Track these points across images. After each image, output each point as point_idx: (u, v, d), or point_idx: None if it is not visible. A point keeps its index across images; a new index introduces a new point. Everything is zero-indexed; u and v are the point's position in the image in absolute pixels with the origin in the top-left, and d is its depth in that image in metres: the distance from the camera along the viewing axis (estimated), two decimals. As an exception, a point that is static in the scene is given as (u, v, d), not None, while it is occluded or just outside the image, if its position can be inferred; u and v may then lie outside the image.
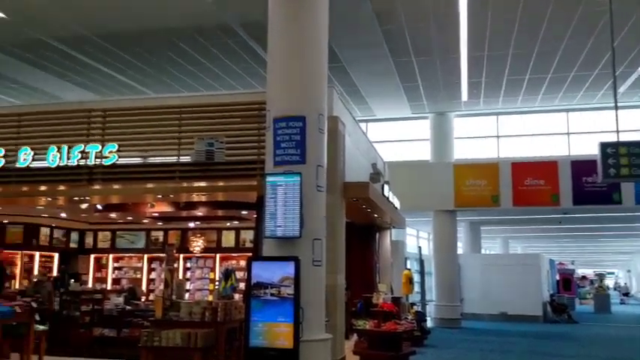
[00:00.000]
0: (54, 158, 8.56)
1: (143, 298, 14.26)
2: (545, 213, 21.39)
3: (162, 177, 8.32)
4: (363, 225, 13.93)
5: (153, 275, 17.12)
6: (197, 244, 15.59)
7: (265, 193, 6.98)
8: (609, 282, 51.04)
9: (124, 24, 11.54)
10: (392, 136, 19.85)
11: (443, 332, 16.79)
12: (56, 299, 12.02)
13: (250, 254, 9.77)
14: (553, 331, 18.28)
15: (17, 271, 15.71)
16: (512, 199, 17.64)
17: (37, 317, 11.40)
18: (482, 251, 31.63)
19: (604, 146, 7.88)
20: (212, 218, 14.34)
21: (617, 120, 8.31)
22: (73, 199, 9.80)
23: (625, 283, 53.69)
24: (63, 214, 14.73)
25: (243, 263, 16.64)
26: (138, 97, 12.47)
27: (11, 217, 15.19)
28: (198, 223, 15.53)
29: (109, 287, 16.81)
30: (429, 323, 17.66)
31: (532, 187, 17.62)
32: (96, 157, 8.46)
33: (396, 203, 13.82)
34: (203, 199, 10.27)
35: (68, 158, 8.51)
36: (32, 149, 8.71)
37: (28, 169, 8.67)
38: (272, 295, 6.52)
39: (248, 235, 16.86)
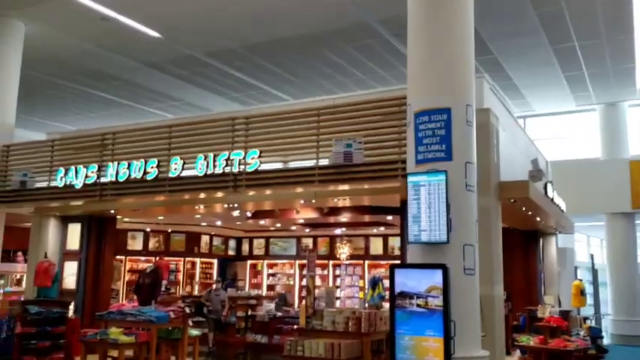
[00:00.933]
0: (202, 167, 8.76)
1: (296, 305, 14.34)
2: None
3: (301, 181, 8.12)
4: (524, 230, 12.66)
5: (304, 282, 17.21)
6: (343, 251, 15.34)
7: (407, 195, 6.40)
8: None
9: (266, 34, 11.71)
10: (554, 132, 18.03)
11: (623, 351, 14.71)
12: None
13: (399, 262, 9.25)
14: None
15: (180, 277, 16.74)
16: None
17: (212, 324, 12.15)
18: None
19: None
20: (358, 224, 14.03)
21: None
22: (221, 206, 10.04)
23: None
24: (218, 222, 15.38)
25: (393, 271, 16.14)
26: (280, 104, 12.57)
27: (174, 226, 16.23)
28: (344, 229, 15.29)
29: (263, 293, 17.27)
30: (606, 340, 15.59)
31: None
32: (239, 164, 8.50)
33: (562, 205, 12.34)
34: (346, 203, 9.94)
35: (214, 166, 8.66)
36: (182, 159, 9.01)
37: (178, 178, 8.98)
38: (418, 305, 5.94)
39: (396, 242, 16.35)
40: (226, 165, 8.59)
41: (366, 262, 16.93)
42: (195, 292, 16.26)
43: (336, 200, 9.37)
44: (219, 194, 9.02)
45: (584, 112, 17.51)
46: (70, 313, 10.21)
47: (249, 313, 13.53)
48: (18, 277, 15.44)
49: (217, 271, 17.94)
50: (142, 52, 12.79)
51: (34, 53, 11.95)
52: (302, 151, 8.23)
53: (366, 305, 8.54)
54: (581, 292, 14.43)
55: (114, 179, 9.55)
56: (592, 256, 19.59)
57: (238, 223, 15.38)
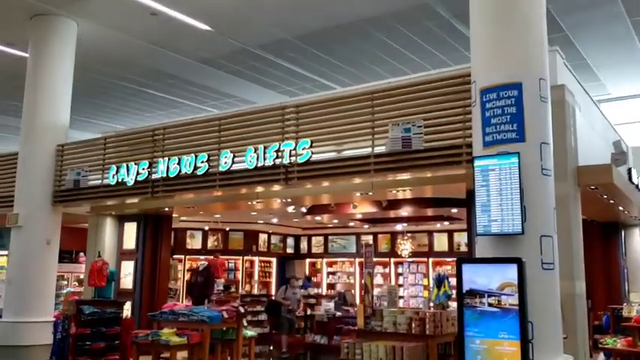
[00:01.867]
0: (252, 159, 8.35)
1: (358, 303, 13.81)
2: None
3: (355, 171, 7.55)
4: (603, 222, 11.58)
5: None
6: (405, 248, 14.62)
7: (474, 182, 5.75)
8: None
9: (318, 21, 11.21)
10: (633, 117, 16.60)
11: None
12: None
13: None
14: None
15: (239, 275, 16.53)
16: None
17: (287, 325, 11.54)
18: None
19: None
20: (421, 219, 13.33)
21: None
22: (274, 201, 9.65)
23: None
24: (275, 220, 15.05)
25: (458, 268, 15.35)
26: (331, 92, 12.03)
27: (232, 224, 16.04)
28: (406, 225, 14.59)
29: (323, 292, 16.83)
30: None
31: None
32: (290, 155, 8.03)
33: (647, 193, 11.18)
34: (407, 195, 9.28)
35: (265, 158, 8.23)
36: (232, 152, 8.64)
37: (228, 172, 8.62)
38: (490, 305, 5.30)
39: (462, 238, 15.58)
40: (277, 157, 8.14)
41: (430, 259, 16.20)
42: (255, 291, 16.00)
43: (395, 192, 8.74)
44: (270, 188, 8.58)
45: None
46: (125, 313, 10.06)
47: (308, 312, 13.12)
48: (81, 277, 15.64)
49: (276, 270, 17.64)
50: (193, 47, 12.56)
51: (86, 53, 11.94)
52: (356, 139, 7.65)
53: (431, 305, 7.90)
54: (671, 289, 13.14)
55: (165, 175, 9.30)
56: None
57: (295, 220, 14.99)
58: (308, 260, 18.28)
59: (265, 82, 14.62)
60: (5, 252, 11.87)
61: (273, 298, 12.29)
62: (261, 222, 15.76)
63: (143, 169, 9.60)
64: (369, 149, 7.47)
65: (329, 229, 17.38)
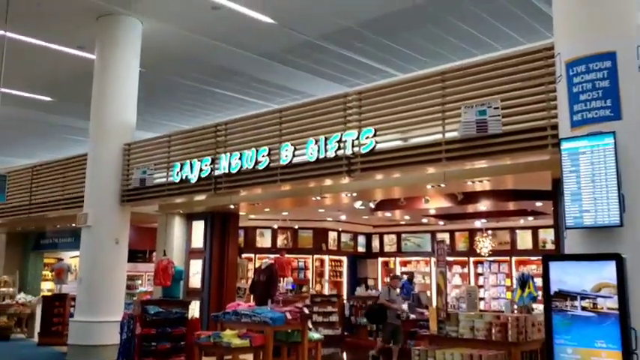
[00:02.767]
0: (312, 152, 7.89)
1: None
2: None
3: (424, 160, 6.89)
4: None
5: (442, 280, 15.78)
6: (484, 246, 13.67)
7: (561, 167, 5.02)
8: None
9: (384, 6, 10.58)
10: None
11: None
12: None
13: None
14: None
15: (309, 275, 16.16)
16: None
17: (390, 332, 9.98)
18: None
19: None
20: (501, 214, 12.40)
21: None
22: (339, 195, 9.17)
23: None
24: (343, 217, 14.55)
25: (544, 268, 14.27)
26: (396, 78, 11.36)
27: (301, 222, 15.71)
28: (485, 221, 13.64)
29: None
30: None
31: None
32: (353, 146, 7.49)
33: None
34: (484, 187, 8.50)
35: (326, 150, 7.73)
36: (292, 145, 8.22)
37: (289, 165, 8.21)
38: (584, 308, 4.60)
39: (548, 235, 14.47)
40: (338, 148, 7.62)
41: (513, 258, 15.15)
42: (325, 291, 15.58)
43: (470, 183, 8.00)
44: (334, 181, 8.09)
45: None
46: (193, 313, 9.90)
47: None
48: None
49: (347, 269, 17.15)
50: (256, 42, 12.27)
51: (150, 52, 11.92)
52: (424, 125, 6.99)
53: (515, 307, 7.13)
54: None
55: (226, 171, 9.03)
56: None
57: (365, 217, 14.44)
58: (380, 259, 17.66)
59: (332, 75, 14.13)
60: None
61: (378, 301, 10.52)
62: (330, 219, 15.32)
63: (206, 165, 9.40)
64: (440, 135, 6.80)
65: (401, 227, 16.72)
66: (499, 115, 6.31)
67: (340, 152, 7.60)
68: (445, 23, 11.27)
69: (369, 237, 17.80)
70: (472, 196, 10.06)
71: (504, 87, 6.44)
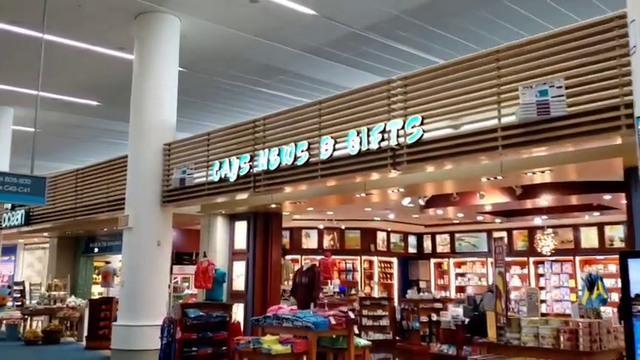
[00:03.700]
0: (354, 144, 7.34)
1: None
2: None
3: (478, 149, 6.21)
4: None
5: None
6: (545, 244, 12.74)
7: (638, 152, 4.30)
8: None
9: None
10: None
11: None
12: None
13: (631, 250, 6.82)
14: None
15: (358, 277, 15.58)
16: None
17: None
18: None
19: None
20: (564, 210, 11.46)
21: None
22: (385, 192, 8.57)
23: None
24: (391, 215, 13.89)
25: (612, 268, 13.21)
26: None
27: (348, 222, 15.16)
28: (545, 217, 12.69)
29: (451, 295, 15.38)
30: None
31: None
32: (398, 136, 6.88)
33: None
34: (545, 179, 7.72)
35: (369, 142, 7.16)
36: (332, 138, 7.69)
37: (330, 160, 7.68)
38: None
39: (616, 232, 13.42)
40: (382, 139, 7.04)
41: (577, 257, 14.12)
42: (375, 294, 14.95)
43: (530, 174, 7.26)
44: (379, 175, 7.51)
45: None
46: (235, 317, 9.51)
47: (434, 318, 11.81)
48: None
49: (398, 271, 16.46)
50: (297, 36, 11.81)
51: (189, 50, 11.66)
52: (477, 110, 6.32)
53: (582, 311, 6.38)
54: None
55: (265, 168, 8.60)
56: None
57: (415, 216, 13.73)
58: (433, 261, 16.89)
59: (375, 67, 13.52)
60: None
61: (482, 309, 9.55)
62: (378, 219, 14.69)
63: (245, 162, 9.00)
64: (495, 121, 6.12)
65: (455, 226, 15.90)
66: (563, 95, 5.59)
67: (384, 144, 7.03)
68: (498, 5, 10.51)
69: (420, 237, 17.08)
70: (532, 190, 9.24)
71: (568, 63, 5.72)
